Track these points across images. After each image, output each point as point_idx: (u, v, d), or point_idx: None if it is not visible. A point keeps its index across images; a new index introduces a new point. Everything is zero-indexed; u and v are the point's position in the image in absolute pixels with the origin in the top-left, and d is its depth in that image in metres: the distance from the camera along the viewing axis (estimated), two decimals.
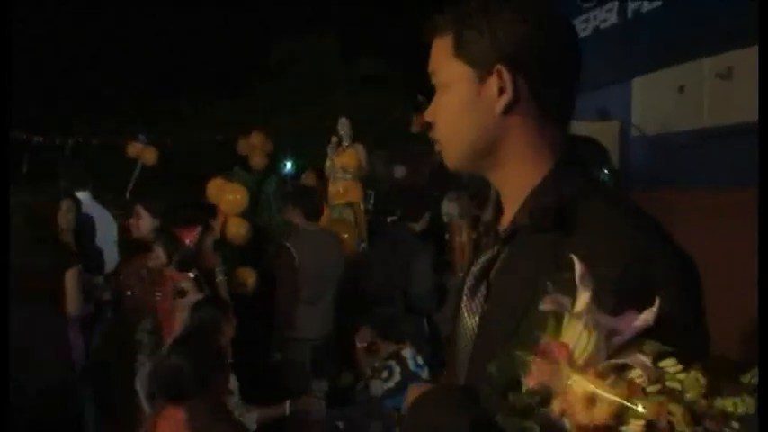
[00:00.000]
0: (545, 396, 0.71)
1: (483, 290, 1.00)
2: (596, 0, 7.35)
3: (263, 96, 12.08)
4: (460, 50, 0.98)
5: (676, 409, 0.63)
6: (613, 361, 0.69)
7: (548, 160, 0.97)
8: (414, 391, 1.02)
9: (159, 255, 3.81)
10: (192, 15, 13.80)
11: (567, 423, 0.70)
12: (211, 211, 4.58)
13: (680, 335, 0.70)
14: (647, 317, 0.70)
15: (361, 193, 5.87)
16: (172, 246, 3.86)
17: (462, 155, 1.02)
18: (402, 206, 5.09)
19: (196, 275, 3.81)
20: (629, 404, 0.65)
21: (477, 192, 4.59)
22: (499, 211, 1.06)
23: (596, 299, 0.70)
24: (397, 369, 3.37)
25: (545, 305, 0.72)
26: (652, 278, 0.82)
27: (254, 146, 6.90)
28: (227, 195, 5.11)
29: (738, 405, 0.64)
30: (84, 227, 4.33)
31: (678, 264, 0.87)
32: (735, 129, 4.23)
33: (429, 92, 1.08)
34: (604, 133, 5.11)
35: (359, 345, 3.55)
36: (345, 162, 5.76)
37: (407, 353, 3.47)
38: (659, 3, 5.44)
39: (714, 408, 0.64)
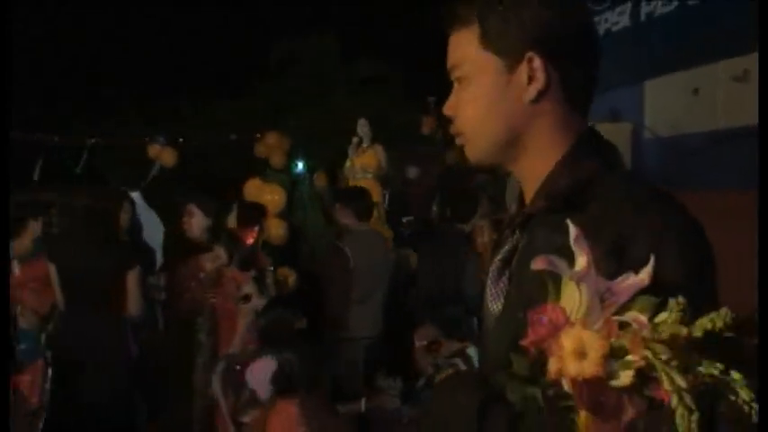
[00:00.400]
0: (541, 358, 0.76)
1: (505, 279, 1.02)
2: (609, 2, 7.51)
3: (262, 96, 12.17)
4: (488, 40, 0.98)
5: (659, 348, 0.67)
6: (610, 318, 0.73)
7: (563, 145, 0.99)
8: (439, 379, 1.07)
9: (221, 255, 3.88)
10: (192, 15, 13.93)
11: (564, 384, 0.75)
12: (264, 211, 4.72)
13: (683, 293, 0.72)
14: (643, 277, 0.74)
15: (380, 194, 5.97)
16: (233, 246, 3.94)
17: (488, 147, 1.02)
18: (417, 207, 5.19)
19: (256, 276, 3.93)
20: (619, 347, 0.69)
21: (494, 194, 4.73)
22: (522, 204, 1.06)
23: (597, 263, 0.74)
24: (463, 367, 3.48)
25: (536, 264, 0.75)
26: (660, 245, 0.83)
27: (272, 146, 7.01)
28: (266, 196, 5.25)
29: (716, 320, 0.67)
30: (138, 227, 4.50)
31: (687, 230, 0.89)
32: (750, 131, 4.29)
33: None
34: (616, 135, 5.17)
35: (418, 343, 3.61)
36: (366, 162, 5.91)
37: (472, 351, 3.57)
38: (672, 6, 5.53)
39: (695, 327, 0.67)
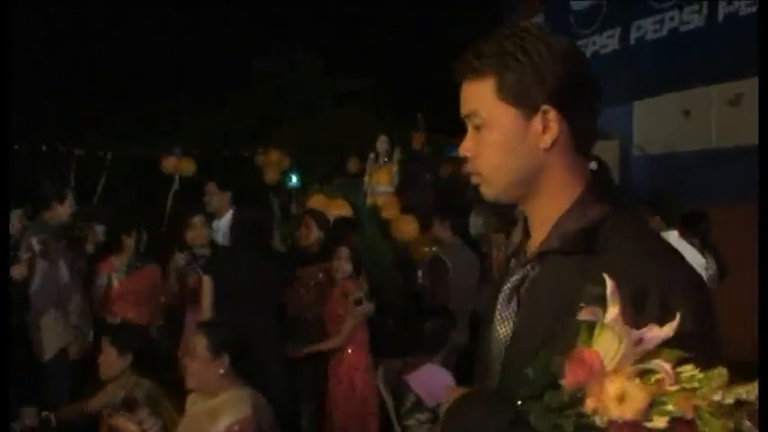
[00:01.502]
0: (580, 396, 0.85)
1: (514, 305, 1.11)
2: (598, 25, 7.80)
3: (243, 110, 12.13)
4: (504, 93, 1.05)
5: (700, 402, 0.77)
6: (639, 366, 0.83)
7: (578, 187, 1.08)
8: (452, 393, 1.14)
9: (347, 268, 4.15)
10: (174, 30, 13.88)
11: (598, 420, 0.84)
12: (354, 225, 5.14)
13: (695, 345, 0.84)
14: (667, 330, 0.83)
15: (398, 208, 6.14)
16: (356, 259, 4.24)
17: (504, 187, 1.11)
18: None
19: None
20: (657, 398, 0.79)
21: (503, 209, 4.89)
22: (526, 234, 1.16)
23: (624, 312, 0.84)
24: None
25: (583, 315, 0.85)
26: (668, 298, 0.93)
27: (272, 161, 7.13)
28: (333, 210, 5.37)
29: (751, 391, 0.78)
30: None
31: (691, 285, 0.99)
32: (742, 150, 4.46)
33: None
34: (604, 152, 5.38)
35: None
36: (380, 178, 6.04)
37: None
38: (664, 32, 5.75)
39: (731, 394, 0.78)
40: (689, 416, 0.78)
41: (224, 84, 12.14)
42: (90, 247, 4.96)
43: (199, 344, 2.77)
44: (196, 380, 2.76)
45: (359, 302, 4.08)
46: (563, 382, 0.86)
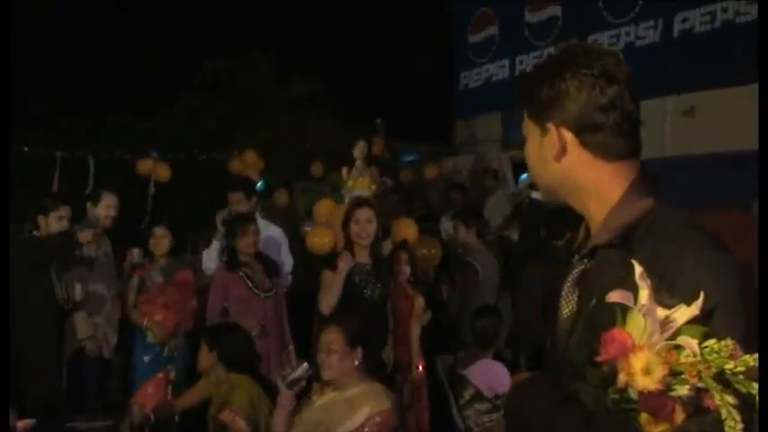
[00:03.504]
0: (613, 371, 0.99)
1: (575, 296, 1.27)
2: (554, 38, 8.15)
3: (198, 113, 11.97)
4: (528, 111, 1.28)
5: (704, 371, 0.93)
6: (667, 342, 0.98)
7: (619, 188, 1.21)
8: (512, 380, 1.29)
9: (406, 271, 4.36)
10: (121, 33, 13.66)
11: (631, 393, 0.99)
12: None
13: (724, 324, 0.98)
14: (693, 309, 0.98)
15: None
16: (413, 262, 4.46)
17: (543, 190, 1.33)
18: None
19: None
20: (676, 369, 0.94)
21: (468, 215, 5.12)
22: (588, 233, 1.30)
23: (655, 295, 0.99)
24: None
25: (614, 298, 1.00)
26: (703, 282, 1.04)
27: (248, 164, 7.14)
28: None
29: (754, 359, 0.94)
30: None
31: (726, 270, 1.10)
32: (695, 159, 4.79)
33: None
34: None
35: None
36: (364, 184, 6.16)
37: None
38: (620, 47, 6.07)
39: (741, 363, 0.93)
40: (695, 383, 0.93)
41: (174, 86, 11.98)
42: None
43: (337, 337, 2.88)
44: (335, 372, 2.87)
45: (424, 310, 4.28)
46: (598, 359, 1.01)
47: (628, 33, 6.45)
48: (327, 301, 3.77)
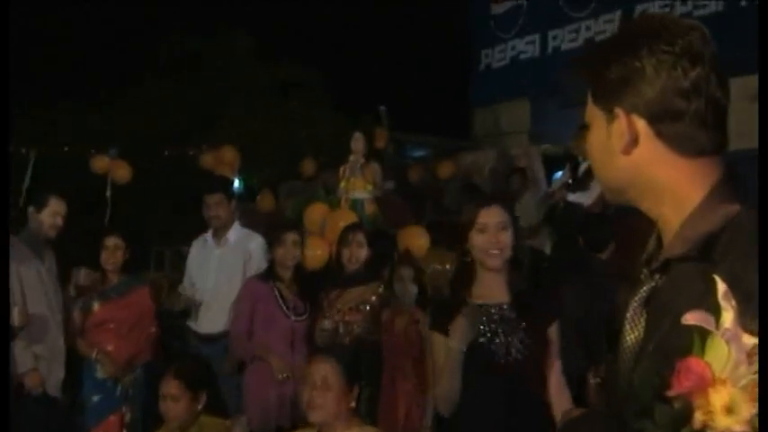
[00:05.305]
0: (687, 408, 0.98)
1: (643, 319, 1.25)
2: (517, 30, 8.72)
3: (176, 102, 12.01)
4: (593, 94, 1.27)
5: None
6: (755, 376, 0.95)
7: (698, 190, 1.19)
8: (565, 414, 1.27)
9: (411, 290, 4.32)
10: (83, 15, 13.73)
11: None
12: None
13: None
14: None
15: (378, 211, 6.37)
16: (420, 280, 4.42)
17: (607, 189, 1.33)
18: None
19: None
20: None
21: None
22: (660, 243, 1.28)
23: (740, 319, 0.97)
24: None
25: (688, 319, 0.97)
26: None
27: (224, 161, 7.17)
28: (340, 222, 5.45)
29: None
30: None
31: None
32: None
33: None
34: None
35: (592, 381, 3.84)
36: (366, 181, 6.21)
37: None
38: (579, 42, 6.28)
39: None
40: None
41: (135, 69, 12.03)
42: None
43: (332, 372, 2.79)
44: (328, 413, 2.76)
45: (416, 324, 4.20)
46: (670, 393, 0.99)
47: (588, 28, 6.74)
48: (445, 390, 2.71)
